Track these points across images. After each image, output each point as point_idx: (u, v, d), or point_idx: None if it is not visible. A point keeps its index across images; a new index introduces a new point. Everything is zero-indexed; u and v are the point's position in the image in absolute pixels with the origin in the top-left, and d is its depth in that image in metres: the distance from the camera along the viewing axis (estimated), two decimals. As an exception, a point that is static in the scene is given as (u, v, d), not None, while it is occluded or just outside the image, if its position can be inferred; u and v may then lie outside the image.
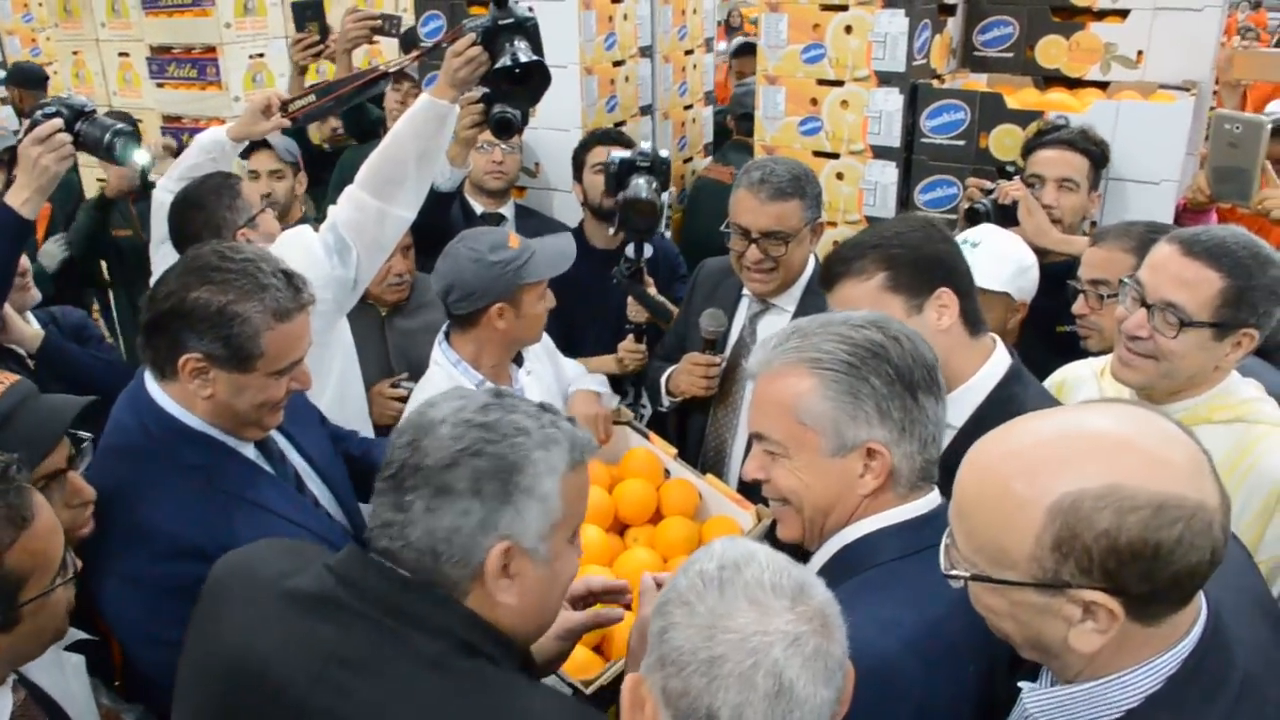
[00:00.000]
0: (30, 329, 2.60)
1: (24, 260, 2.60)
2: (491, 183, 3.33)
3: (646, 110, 3.82)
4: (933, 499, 1.45)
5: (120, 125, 2.36)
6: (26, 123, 2.27)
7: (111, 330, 4.42)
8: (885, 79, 2.96)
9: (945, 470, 1.46)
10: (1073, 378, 2.13)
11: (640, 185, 2.65)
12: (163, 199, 2.62)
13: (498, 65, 2.33)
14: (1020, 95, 3.06)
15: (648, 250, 2.83)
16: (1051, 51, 3.15)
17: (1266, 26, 11.89)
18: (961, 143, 2.95)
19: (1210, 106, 3.08)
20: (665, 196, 2.75)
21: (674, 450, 2.33)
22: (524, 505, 1.21)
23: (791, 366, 1.43)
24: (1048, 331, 2.47)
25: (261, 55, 4.21)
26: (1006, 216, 2.62)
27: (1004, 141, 2.89)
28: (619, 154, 2.74)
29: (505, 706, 1.18)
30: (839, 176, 3.10)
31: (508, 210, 3.42)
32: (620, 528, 2.24)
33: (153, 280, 2.06)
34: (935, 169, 3.01)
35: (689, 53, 4.06)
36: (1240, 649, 1.12)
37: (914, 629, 1.28)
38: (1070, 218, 2.65)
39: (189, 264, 1.70)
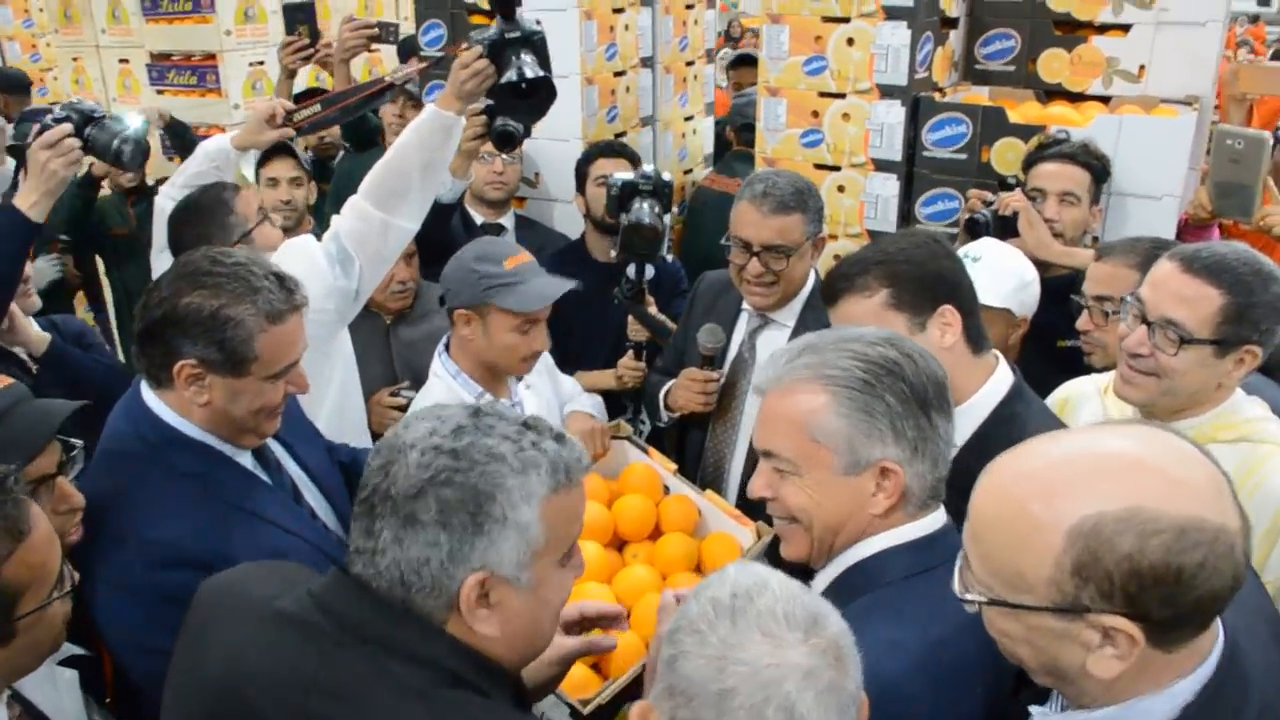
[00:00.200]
0: (36, 333, 2.60)
1: (27, 267, 2.60)
2: (492, 193, 3.32)
3: (647, 121, 3.82)
4: (939, 517, 1.43)
5: (129, 132, 2.37)
6: (36, 127, 2.30)
7: (108, 339, 4.41)
8: (887, 92, 2.95)
9: (948, 488, 1.45)
10: (1076, 395, 2.12)
11: (643, 210, 2.64)
12: (164, 205, 2.61)
13: (504, 80, 2.32)
14: (1022, 109, 3.06)
15: (649, 271, 2.82)
16: (1053, 65, 3.14)
17: (1265, 40, 11.93)
18: (963, 156, 2.94)
19: (1212, 121, 3.08)
20: (667, 219, 2.74)
21: (674, 466, 2.32)
22: (499, 535, 1.15)
23: (805, 383, 1.40)
24: (1049, 346, 2.46)
25: (262, 63, 4.22)
26: (1006, 228, 2.62)
27: (1006, 155, 2.88)
28: (621, 176, 2.73)
29: None
30: (840, 189, 3.09)
31: (508, 220, 3.42)
32: (619, 543, 2.23)
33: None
34: (937, 182, 3.00)
35: (690, 63, 4.06)
36: (1255, 674, 1.10)
37: (922, 650, 1.26)
38: (1071, 232, 2.65)
39: (180, 270, 1.70)
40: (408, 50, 4.40)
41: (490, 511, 1.15)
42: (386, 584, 1.17)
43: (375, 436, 2.58)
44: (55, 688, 1.55)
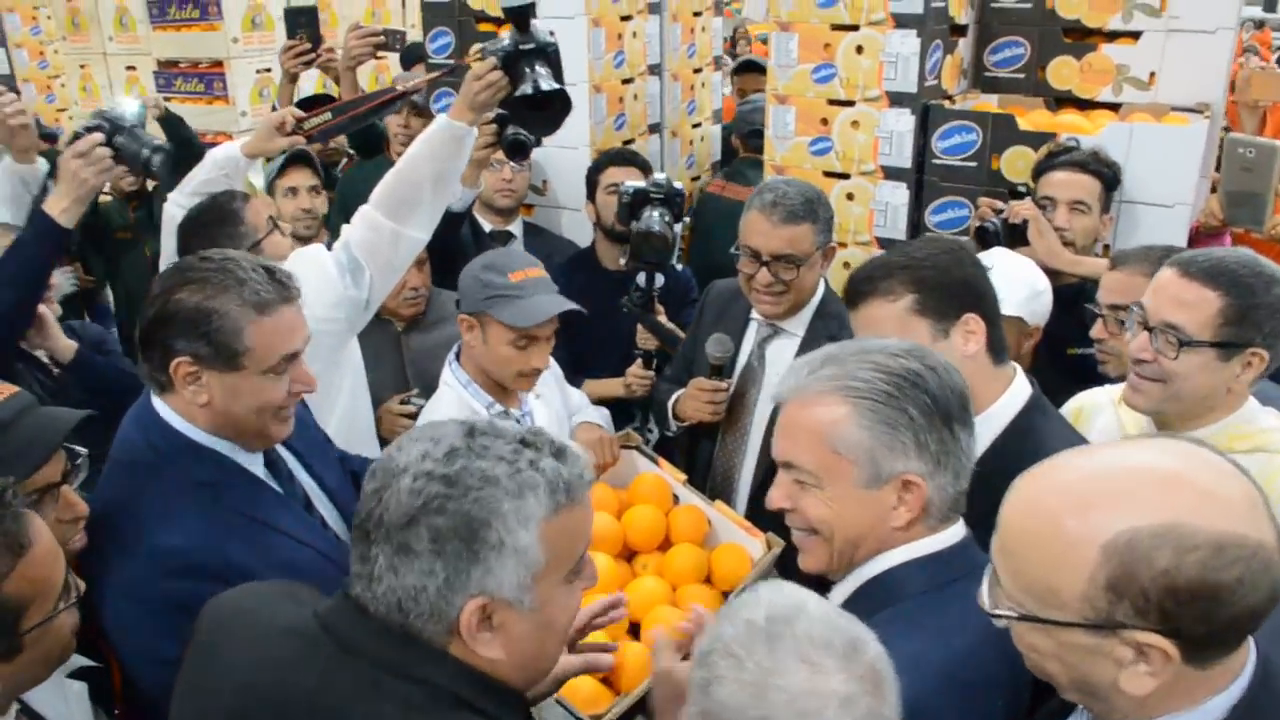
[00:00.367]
0: (65, 340, 2.62)
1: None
2: (501, 201, 3.32)
3: (655, 128, 3.81)
4: (958, 530, 1.42)
5: (159, 142, 2.41)
6: (70, 134, 2.38)
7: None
8: (896, 99, 2.94)
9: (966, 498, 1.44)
10: (1089, 405, 2.11)
11: (654, 218, 2.63)
12: (173, 213, 2.61)
13: (519, 93, 2.31)
14: (1032, 117, 3.05)
15: (659, 279, 2.81)
16: (1063, 73, 3.13)
17: (1271, 45, 11.90)
18: (973, 164, 2.93)
19: (1223, 128, 3.07)
20: (678, 227, 2.74)
21: (683, 476, 2.30)
22: (496, 561, 1.12)
23: (826, 394, 1.39)
24: (1059, 355, 2.45)
25: (269, 70, 4.22)
26: (1016, 236, 2.61)
27: (1016, 163, 2.87)
28: (633, 184, 2.73)
29: None
30: (849, 197, 3.08)
31: (516, 228, 3.41)
32: (629, 554, 2.22)
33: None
34: (946, 190, 2.99)
35: (697, 71, 4.06)
36: None
37: (944, 663, 1.25)
38: (1082, 240, 2.64)
39: (170, 270, 1.72)
40: (411, 58, 4.40)
41: (486, 538, 1.11)
42: (385, 609, 1.15)
43: (385, 444, 2.56)
44: (65, 701, 1.54)
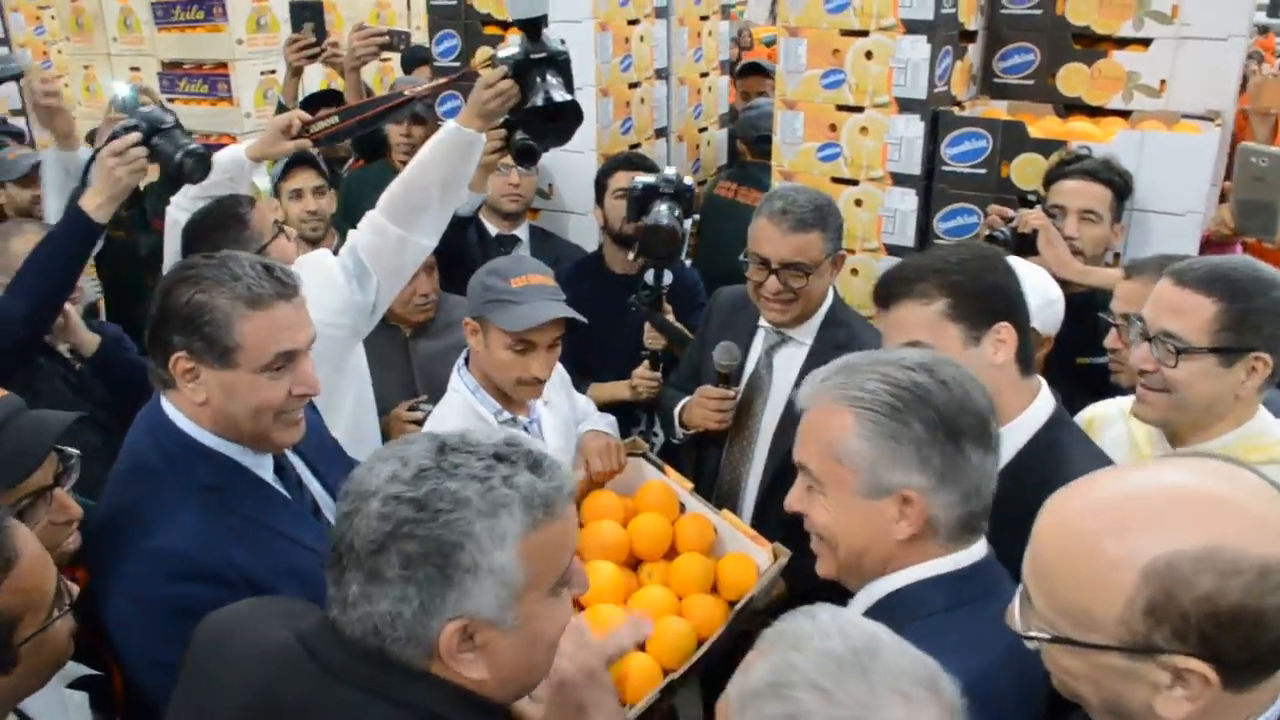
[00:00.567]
0: (88, 334, 2.62)
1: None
2: (508, 205, 3.31)
3: (662, 132, 3.80)
4: (979, 549, 1.41)
5: (194, 145, 2.41)
6: (109, 132, 2.41)
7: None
8: (906, 105, 2.93)
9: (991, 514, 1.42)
10: (1101, 416, 2.10)
11: (662, 212, 2.62)
12: (177, 217, 2.59)
13: (530, 103, 2.29)
14: (1043, 124, 3.03)
15: (668, 277, 2.79)
16: (1073, 79, 3.11)
17: (1275, 51, 11.88)
18: (983, 171, 2.91)
19: (1233, 135, 3.05)
20: (687, 224, 2.72)
21: (690, 484, 2.28)
22: (472, 584, 1.08)
23: (832, 402, 1.40)
24: (1069, 364, 2.43)
25: (273, 71, 4.20)
26: (1025, 245, 2.59)
27: (1026, 170, 2.85)
28: (642, 179, 2.72)
29: None
30: (858, 203, 3.06)
31: (522, 232, 3.40)
32: (634, 562, 2.20)
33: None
34: (956, 197, 2.97)
35: (704, 75, 4.05)
36: None
37: (964, 684, 1.23)
38: (1092, 249, 2.62)
39: (172, 269, 1.74)
40: (411, 61, 4.39)
41: (459, 562, 1.08)
42: (360, 633, 1.12)
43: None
44: (65, 712, 1.53)
